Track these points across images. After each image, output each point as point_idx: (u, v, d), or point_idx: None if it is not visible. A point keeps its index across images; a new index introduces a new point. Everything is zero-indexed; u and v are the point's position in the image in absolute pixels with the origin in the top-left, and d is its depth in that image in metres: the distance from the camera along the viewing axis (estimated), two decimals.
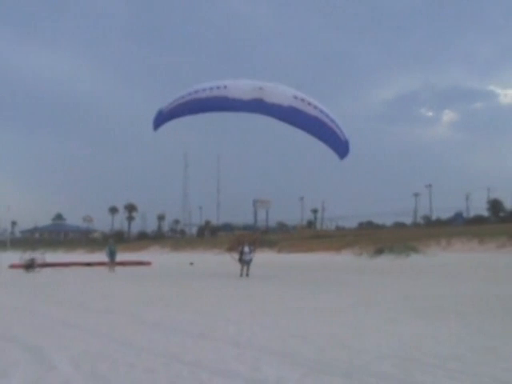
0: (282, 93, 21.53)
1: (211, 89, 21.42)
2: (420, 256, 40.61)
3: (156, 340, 9.36)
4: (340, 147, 22.50)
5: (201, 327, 10.78)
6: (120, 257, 38.91)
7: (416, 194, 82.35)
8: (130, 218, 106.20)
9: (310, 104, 21.43)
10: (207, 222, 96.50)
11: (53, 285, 24.35)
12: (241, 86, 21.49)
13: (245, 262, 25.61)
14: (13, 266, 38.14)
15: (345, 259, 43.05)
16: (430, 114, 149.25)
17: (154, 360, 7.78)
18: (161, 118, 23.16)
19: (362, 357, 7.74)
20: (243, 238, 28.04)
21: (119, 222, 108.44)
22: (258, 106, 21.22)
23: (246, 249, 25.88)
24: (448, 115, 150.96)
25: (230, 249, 26.85)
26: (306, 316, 12.39)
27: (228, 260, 30.67)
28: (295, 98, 21.38)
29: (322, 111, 21.65)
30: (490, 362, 7.37)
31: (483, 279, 22.70)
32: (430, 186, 79.32)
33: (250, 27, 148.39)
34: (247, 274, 25.36)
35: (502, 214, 69.50)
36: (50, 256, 44.23)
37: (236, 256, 26.31)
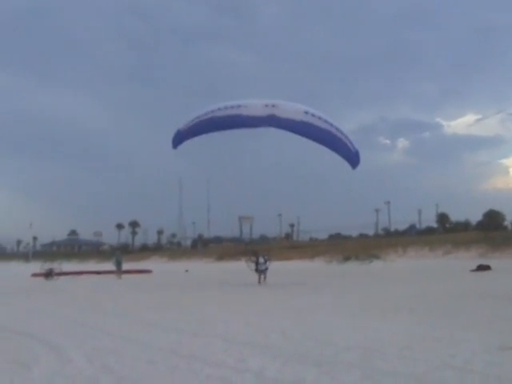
0: (293, 109, 20.08)
1: (226, 108, 19.94)
2: (380, 262, 40.64)
3: (156, 337, 9.32)
4: (351, 158, 21.13)
5: (194, 326, 10.75)
6: (125, 266, 38.55)
7: (377, 210, 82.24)
8: (134, 233, 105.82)
9: (320, 118, 19.88)
10: (200, 236, 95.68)
11: (68, 290, 24.09)
12: (254, 105, 20.14)
13: (261, 271, 25.10)
14: (34, 275, 37.77)
15: (317, 266, 42.96)
16: (387, 142, 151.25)
17: (154, 354, 7.74)
18: (179, 137, 21.28)
19: (332, 348, 7.76)
20: (258, 250, 27.26)
21: (125, 236, 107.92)
22: (272, 120, 19.74)
23: (261, 259, 25.38)
24: (402, 143, 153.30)
25: (247, 259, 25.95)
26: (285, 314, 12.38)
27: (223, 267, 30.36)
28: (306, 113, 19.84)
29: (332, 125, 20.15)
30: (439, 350, 7.42)
31: (433, 281, 22.80)
32: (388, 202, 79.39)
33: (235, 71, 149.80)
34: (264, 281, 24.34)
35: (447, 226, 69.92)
36: (66, 266, 43.67)
37: (252, 266, 25.66)
